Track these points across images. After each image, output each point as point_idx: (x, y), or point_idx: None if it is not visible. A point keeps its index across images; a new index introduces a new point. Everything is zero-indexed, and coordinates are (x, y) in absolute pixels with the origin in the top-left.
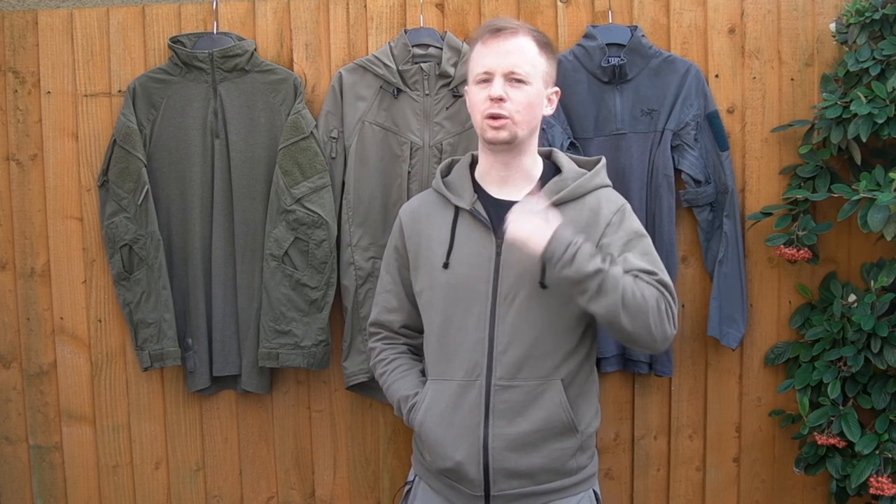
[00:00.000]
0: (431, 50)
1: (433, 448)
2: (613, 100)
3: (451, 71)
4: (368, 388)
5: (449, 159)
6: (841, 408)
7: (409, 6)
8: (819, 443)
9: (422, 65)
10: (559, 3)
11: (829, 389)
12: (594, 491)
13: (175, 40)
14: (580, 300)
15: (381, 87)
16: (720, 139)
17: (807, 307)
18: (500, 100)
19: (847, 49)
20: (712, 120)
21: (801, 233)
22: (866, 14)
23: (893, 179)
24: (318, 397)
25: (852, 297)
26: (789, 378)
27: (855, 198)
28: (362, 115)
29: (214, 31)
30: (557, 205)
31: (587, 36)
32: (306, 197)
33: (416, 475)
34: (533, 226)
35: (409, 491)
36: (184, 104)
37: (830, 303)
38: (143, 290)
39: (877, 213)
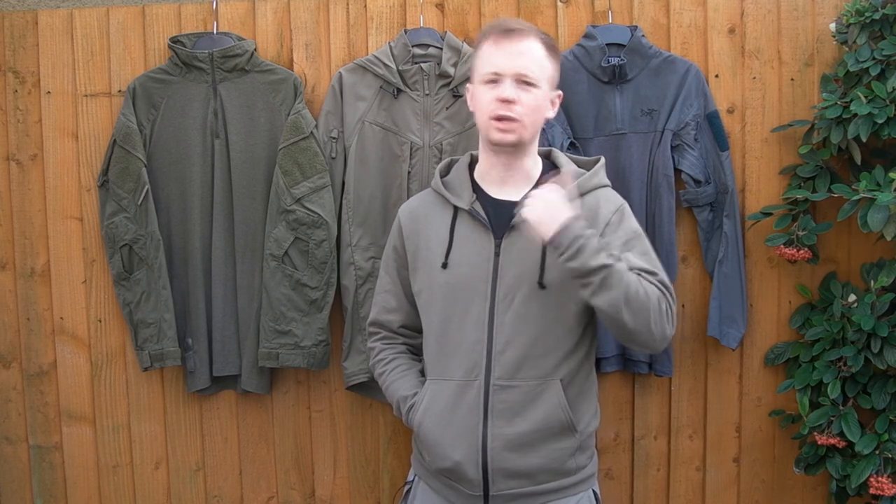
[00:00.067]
0: (431, 50)
1: (432, 448)
2: (613, 100)
3: (451, 71)
4: (368, 388)
5: (448, 159)
6: (841, 408)
7: (409, 6)
8: (819, 443)
9: (422, 65)
10: (559, 3)
11: (829, 389)
12: (593, 491)
13: (175, 40)
14: (583, 293)
15: (381, 87)
16: (720, 139)
17: (807, 307)
18: (510, 102)
19: (847, 49)
20: (712, 120)
21: (801, 233)
22: (866, 14)
23: (893, 179)
24: (318, 397)
25: (852, 297)
26: (789, 378)
27: (855, 198)
28: (362, 115)
29: (214, 31)
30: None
31: (587, 36)
32: (306, 197)
33: (415, 475)
34: (547, 211)
35: (408, 491)
36: (184, 104)
37: (830, 303)
38: (143, 290)
39: (877, 213)
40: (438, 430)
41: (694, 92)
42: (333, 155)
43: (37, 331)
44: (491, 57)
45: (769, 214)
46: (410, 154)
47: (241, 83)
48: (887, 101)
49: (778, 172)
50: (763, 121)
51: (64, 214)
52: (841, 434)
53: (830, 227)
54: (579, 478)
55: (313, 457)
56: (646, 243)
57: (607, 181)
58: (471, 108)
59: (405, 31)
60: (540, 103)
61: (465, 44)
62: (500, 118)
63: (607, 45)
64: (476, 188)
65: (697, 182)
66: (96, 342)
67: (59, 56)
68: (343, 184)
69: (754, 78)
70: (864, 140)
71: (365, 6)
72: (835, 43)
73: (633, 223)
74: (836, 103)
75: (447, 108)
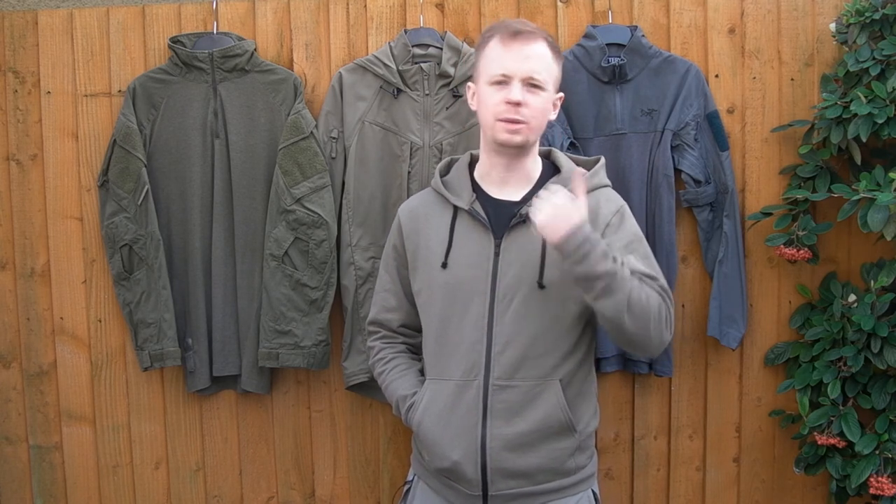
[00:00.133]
0: (431, 50)
1: (431, 448)
2: (613, 100)
3: (451, 71)
4: (368, 388)
5: (448, 159)
6: (841, 408)
7: (409, 6)
8: (819, 443)
9: (422, 65)
10: (559, 3)
11: (829, 389)
12: (593, 491)
13: (175, 40)
14: (586, 297)
15: (381, 87)
16: (720, 139)
17: (807, 307)
18: (518, 104)
19: (847, 49)
20: (712, 120)
21: (801, 233)
22: (866, 14)
23: (893, 179)
24: (318, 397)
25: (852, 297)
26: (789, 378)
27: (855, 198)
28: (362, 115)
29: (214, 31)
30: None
31: (587, 36)
32: (306, 197)
33: (415, 475)
34: (555, 215)
35: (408, 491)
36: (184, 104)
37: (830, 303)
38: (143, 290)
39: (877, 213)
40: (437, 430)
41: (694, 92)
42: (333, 155)
43: (37, 331)
44: (499, 58)
45: (769, 214)
46: (410, 154)
47: (241, 83)
48: (887, 101)
49: (778, 172)
50: (763, 121)
51: (64, 214)
52: (841, 434)
53: (830, 227)
54: (579, 478)
55: (313, 457)
56: (646, 247)
57: (607, 181)
58: (472, 108)
59: (405, 31)
60: (546, 106)
61: (465, 44)
62: (508, 120)
63: (607, 45)
64: (476, 188)
65: (697, 182)
66: (96, 342)
67: (59, 56)
68: (343, 184)
69: (754, 78)
70: (864, 140)
71: (365, 6)
72: (835, 43)
73: (633, 225)
74: (836, 103)
75: (447, 108)
